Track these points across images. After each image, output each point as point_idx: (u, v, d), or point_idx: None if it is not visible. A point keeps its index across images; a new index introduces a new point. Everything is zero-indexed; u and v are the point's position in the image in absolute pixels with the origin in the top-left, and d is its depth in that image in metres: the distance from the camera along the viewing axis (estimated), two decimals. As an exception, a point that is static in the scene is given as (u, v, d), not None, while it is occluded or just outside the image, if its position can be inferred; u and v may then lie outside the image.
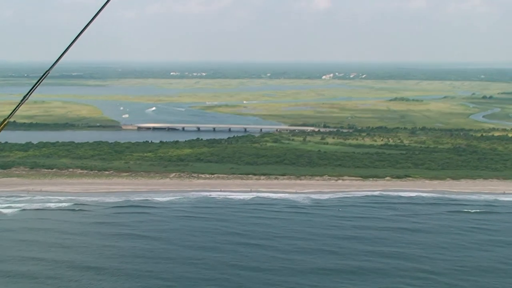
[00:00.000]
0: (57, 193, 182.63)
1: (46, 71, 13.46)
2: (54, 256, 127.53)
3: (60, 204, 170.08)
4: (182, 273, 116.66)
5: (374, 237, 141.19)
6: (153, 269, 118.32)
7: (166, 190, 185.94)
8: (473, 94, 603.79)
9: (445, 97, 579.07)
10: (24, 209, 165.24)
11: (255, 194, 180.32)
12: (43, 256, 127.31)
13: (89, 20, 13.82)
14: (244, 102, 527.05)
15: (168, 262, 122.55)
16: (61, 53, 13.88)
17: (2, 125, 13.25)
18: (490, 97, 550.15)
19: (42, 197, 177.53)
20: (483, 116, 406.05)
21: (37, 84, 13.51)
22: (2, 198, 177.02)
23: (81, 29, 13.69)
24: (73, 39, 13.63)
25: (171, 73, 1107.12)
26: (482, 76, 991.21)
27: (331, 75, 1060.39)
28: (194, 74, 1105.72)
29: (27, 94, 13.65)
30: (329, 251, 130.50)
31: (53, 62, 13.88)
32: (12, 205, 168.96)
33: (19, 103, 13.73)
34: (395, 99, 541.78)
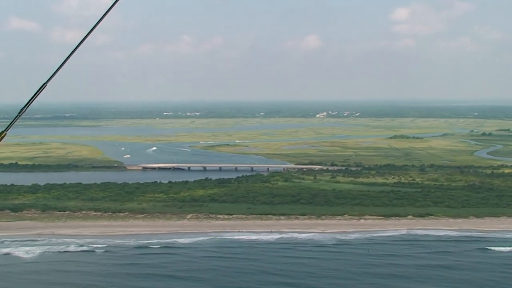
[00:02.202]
0: (74, 236, 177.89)
1: (41, 87, 13.53)
2: None
3: (81, 247, 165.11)
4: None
5: (412, 274, 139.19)
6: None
7: (186, 232, 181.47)
8: (472, 131, 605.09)
9: (444, 134, 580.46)
10: (44, 253, 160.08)
11: (278, 235, 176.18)
12: None
13: (72, 51, 13.91)
14: (237, 141, 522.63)
15: None
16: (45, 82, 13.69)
17: (1, 137, 13.32)
18: (490, 134, 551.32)
19: (60, 241, 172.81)
20: (487, 153, 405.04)
21: (33, 98, 13.58)
22: (18, 241, 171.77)
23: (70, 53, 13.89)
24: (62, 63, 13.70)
25: (165, 113, 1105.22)
26: (475, 113, 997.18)
27: (325, 113, 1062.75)
28: (188, 113, 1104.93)
29: (25, 106, 13.51)
30: None
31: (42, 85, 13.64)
32: (31, 249, 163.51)
33: (16, 117, 13.57)
34: (395, 136, 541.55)
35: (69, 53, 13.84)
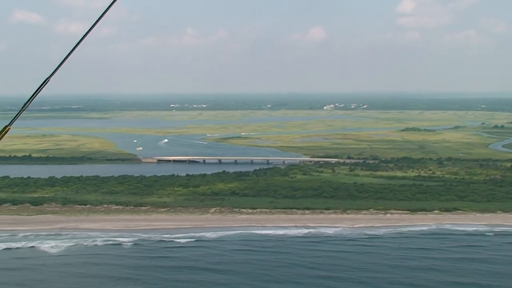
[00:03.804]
0: (98, 230, 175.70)
1: (44, 82, 13.44)
2: None
3: (107, 241, 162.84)
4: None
5: (448, 268, 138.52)
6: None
7: (212, 226, 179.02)
8: (483, 124, 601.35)
9: (456, 127, 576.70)
10: (70, 246, 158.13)
11: (306, 230, 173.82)
12: None
13: (75, 45, 13.82)
14: (242, 134, 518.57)
15: None
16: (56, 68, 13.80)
17: (4, 133, 13.42)
18: (502, 127, 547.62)
19: (84, 235, 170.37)
20: (503, 146, 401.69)
21: (37, 92, 13.61)
22: (43, 236, 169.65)
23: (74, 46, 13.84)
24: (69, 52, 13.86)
25: (171, 105, 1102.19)
26: (483, 106, 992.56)
27: (332, 106, 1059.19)
28: (194, 106, 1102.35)
29: (29, 99, 13.64)
30: (407, 282, 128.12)
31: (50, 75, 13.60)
32: (57, 243, 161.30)
33: (20, 110, 13.81)
34: (407, 129, 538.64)
35: (73, 47, 13.80)
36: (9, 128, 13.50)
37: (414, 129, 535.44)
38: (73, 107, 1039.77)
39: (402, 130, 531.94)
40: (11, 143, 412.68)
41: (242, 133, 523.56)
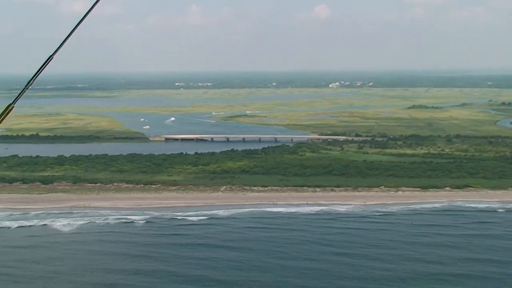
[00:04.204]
0: (110, 208, 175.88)
1: (47, 59, 13.45)
2: (148, 266, 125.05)
3: (119, 219, 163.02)
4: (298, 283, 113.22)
5: (462, 244, 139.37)
6: (262, 279, 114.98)
7: (223, 204, 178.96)
8: (490, 100, 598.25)
9: (463, 104, 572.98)
10: (83, 225, 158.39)
11: (318, 207, 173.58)
12: (127, 267, 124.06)
13: (76, 24, 13.75)
14: (248, 112, 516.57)
15: (276, 272, 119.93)
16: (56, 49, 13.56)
17: (8, 111, 13.29)
18: (509, 104, 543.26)
19: (96, 213, 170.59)
20: (511, 123, 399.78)
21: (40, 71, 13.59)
22: (54, 214, 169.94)
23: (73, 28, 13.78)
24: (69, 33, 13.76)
25: (176, 84, 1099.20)
26: (490, 83, 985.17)
27: (337, 83, 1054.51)
28: (200, 84, 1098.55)
29: (31, 79, 13.52)
30: (423, 258, 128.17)
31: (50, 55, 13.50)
32: (69, 221, 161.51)
33: (23, 89, 13.63)
34: (413, 106, 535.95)
35: (75, 25, 13.69)
36: (12, 107, 13.34)
37: (421, 107, 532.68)
38: (78, 85, 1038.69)
39: (409, 108, 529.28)
40: (17, 122, 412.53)
41: (248, 111, 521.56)
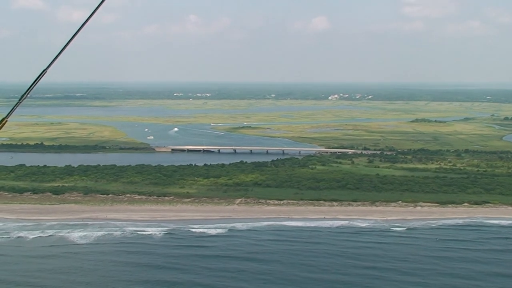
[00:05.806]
0: (125, 220, 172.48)
1: (41, 74, 13.51)
2: (175, 278, 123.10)
3: (136, 231, 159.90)
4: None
5: (488, 259, 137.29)
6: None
7: (241, 218, 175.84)
8: (493, 115, 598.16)
9: (465, 118, 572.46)
10: (99, 236, 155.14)
11: (338, 222, 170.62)
12: (152, 278, 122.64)
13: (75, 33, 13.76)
14: (244, 123, 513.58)
15: (306, 285, 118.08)
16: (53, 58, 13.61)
17: (1, 125, 13.31)
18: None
19: (111, 224, 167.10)
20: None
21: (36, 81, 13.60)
22: (69, 225, 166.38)
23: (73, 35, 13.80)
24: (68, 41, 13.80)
25: (175, 94, 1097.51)
26: (488, 97, 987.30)
27: (337, 96, 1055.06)
28: (198, 94, 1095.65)
29: (26, 91, 13.51)
30: (455, 273, 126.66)
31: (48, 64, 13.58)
32: (86, 233, 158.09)
33: (17, 102, 13.56)
34: (417, 120, 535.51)
35: (72, 35, 13.69)
36: (6, 121, 13.21)
37: (424, 120, 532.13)
38: (77, 95, 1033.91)
39: (412, 121, 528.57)
40: (19, 131, 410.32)
41: (252, 123, 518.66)
